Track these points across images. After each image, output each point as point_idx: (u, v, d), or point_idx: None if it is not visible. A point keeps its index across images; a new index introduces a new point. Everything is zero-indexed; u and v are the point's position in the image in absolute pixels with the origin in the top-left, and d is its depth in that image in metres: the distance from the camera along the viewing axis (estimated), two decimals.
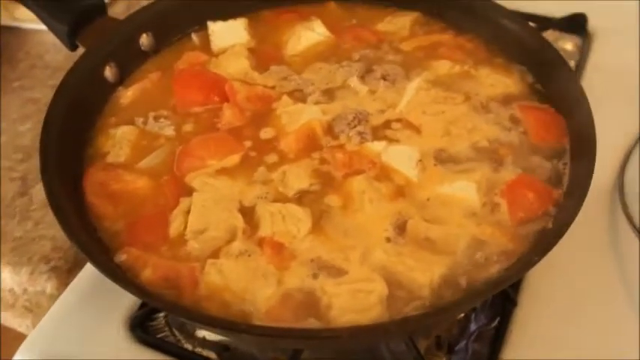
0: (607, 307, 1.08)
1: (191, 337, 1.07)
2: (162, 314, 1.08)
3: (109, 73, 1.15)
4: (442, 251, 0.91)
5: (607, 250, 1.14)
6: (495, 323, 1.07)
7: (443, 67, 1.16)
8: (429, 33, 1.24)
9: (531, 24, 1.41)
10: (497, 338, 1.06)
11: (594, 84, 1.41)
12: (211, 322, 0.84)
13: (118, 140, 1.07)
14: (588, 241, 1.14)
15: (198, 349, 1.06)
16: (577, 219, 0.89)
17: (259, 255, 0.92)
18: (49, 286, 1.19)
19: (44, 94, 1.51)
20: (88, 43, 1.15)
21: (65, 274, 1.19)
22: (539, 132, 1.06)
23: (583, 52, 1.52)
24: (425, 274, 0.88)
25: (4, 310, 1.21)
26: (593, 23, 1.56)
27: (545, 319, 1.07)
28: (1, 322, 1.22)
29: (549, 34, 1.53)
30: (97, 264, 0.87)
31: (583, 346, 1.04)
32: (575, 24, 1.55)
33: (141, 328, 1.07)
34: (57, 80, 1.49)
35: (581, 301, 1.09)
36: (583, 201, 0.89)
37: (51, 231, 1.24)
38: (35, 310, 1.19)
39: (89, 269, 1.13)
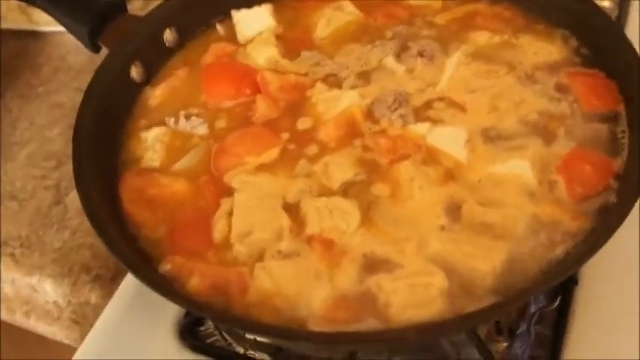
0: None
1: (242, 339, 1.03)
2: None
3: (135, 73, 1.11)
4: (501, 235, 0.86)
5: None
6: (557, 303, 1.03)
7: (481, 38, 1.10)
8: (463, 3, 1.18)
9: None
10: (560, 319, 1.01)
11: (636, 39, 1.35)
12: (267, 331, 0.81)
13: (150, 143, 1.04)
14: None
15: (250, 352, 1.03)
16: None
17: (309, 254, 0.88)
18: (94, 296, 1.17)
19: (70, 98, 1.48)
20: (111, 44, 1.12)
21: (108, 282, 1.17)
22: (590, 99, 1.00)
23: (622, 8, 1.45)
24: (486, 262, 0.84)
25: (50, 323, 1.19)
26: None
27: (607, 296, 1.03)
28: (48, 336, 1.20)
29: None
30: (142, 276, 0.84)
31: None
32: None
33: (191, 334, 1.04)
34: (81, 82, 1.49)
35: None
36: None
37: (89, 239, 1.22)
38: (82, 321, 1.17)
39: (132, 277, 1.10)
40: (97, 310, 1.12)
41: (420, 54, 1.09)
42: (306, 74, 1.09)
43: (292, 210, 0.92)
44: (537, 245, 0.86)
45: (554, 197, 0.90)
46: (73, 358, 1.04)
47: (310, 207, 0.91)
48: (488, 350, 0.93)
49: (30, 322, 1.20)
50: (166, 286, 0.86)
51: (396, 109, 1.00)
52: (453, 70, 1.05)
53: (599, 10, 1.07)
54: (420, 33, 1.14)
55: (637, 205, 0.83)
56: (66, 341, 1.20)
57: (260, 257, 0.88)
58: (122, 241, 0.90)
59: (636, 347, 0.97)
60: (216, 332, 1.05)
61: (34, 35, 1.64)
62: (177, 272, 0.88)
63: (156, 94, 1.11)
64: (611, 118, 0.98)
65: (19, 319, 1.21)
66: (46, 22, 1.60)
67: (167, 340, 1.04)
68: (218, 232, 0.91)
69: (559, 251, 0.85)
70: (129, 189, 0.98)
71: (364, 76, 1.07)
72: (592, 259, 1.02)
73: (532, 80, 1.04)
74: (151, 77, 1.14)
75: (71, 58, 1.58)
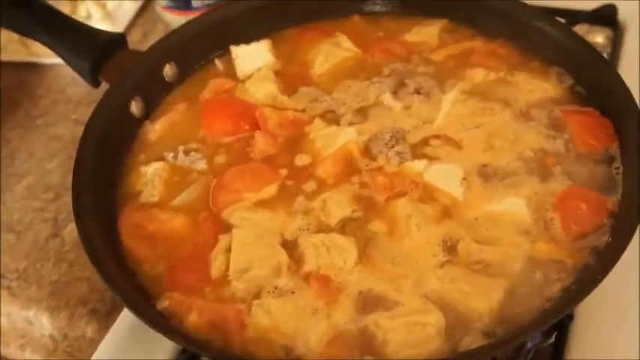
0: None
1: None
2: None
3: (134, 108, 1.12)
4: (498, 274, 0.87)
5: None
6: (552, 339, 1.03)
7: (477, 75, 1.12)
8: (459, 41, 1.19)
9: (560, 19, 1.37)
10: (556, 355, 1.01)
11: (629, 75, 1.36)
12: None
13: (149, 178, 1.04)
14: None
15: None
16: None
17: (307, 291, 0.88)
18: (90, 330, 1.16)
19: (69, 130, 1.49)
20: (112, 79, 1.13)
21: (104, 316, 1.17)
22: (585, 138, 1.01)
23: (615, 45, 1.46)
24: (482, 300, 0.84)
25: (45, 356, 1.18)
26: (623, 14, 1.51)
27: (603, 332, 1.03)
28: None
29: (578, 28, 1.48)
30: (140, 314, 0.84)
31: None
32: (605, 16, 1.50)
33: None
34: (80, 114, 1.50)
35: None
36: None
37: (86, 272, 1.22)
38: (77, 355, 1.17)
39: (129, 312, 1.10)
40: (93, 344, 1.12)
41: (417, 91, 1.10)
42: (304, 110, 1.10)
43: (290, 247, 0.92)
44: (534, 283, 0.87)
45: (550, 235, 0.91)
46: None
47: (308, 244, 0.92)
48: None
49: (25, 355, 1.20)
50: (164, 324, 0.86)
51: (393, 146, 1.01)
52: (449, 107, 1.07)
53: (592, 48, 1.09)
54: (416, 70, 1.15)
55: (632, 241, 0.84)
56: None
57: (258, 294, 0.89)
58: (121, 277, 0.90)
59: None
60: None
61: (34, 67, 1.65)
62: (175, 309, 0.88)
63: (155, 129, 1.12)
64: (606, 156, 0.99)
65: (13, 353, 1.21)
66: (46, 54, 1.59)
67: None
68: (216, 268, 0.92)
69: (555, 289, 0.86)
70: (128, 224, 0.98)
71: (361, 113, 1.09)
72: None
73: (527, 118, 1.05)
74: (150, 112, 1.14)
75: (70, 90, 1.59)
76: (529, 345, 1.03)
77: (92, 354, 1.08)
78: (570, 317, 1.03)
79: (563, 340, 1.02)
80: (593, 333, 1.03)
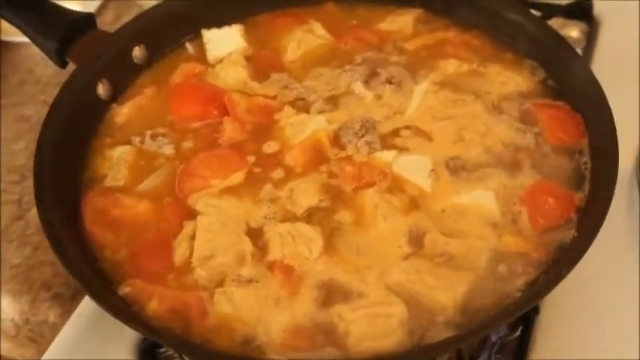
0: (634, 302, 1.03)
1: None
2: None
3: (101, 90, 1.09)
4: (463, 266, 0.87)
5: (628, 239, 1.10)
6: (518, 333, 1.03)
7: (450, 66, 1.11)
8: (433, 31, 1.19)
9: (535, 12, 1.37)
10: (521, 348, 1.01)
11: (603, 70, 1.36)
12: None
13: (115, 162, 1.02)
14: (606, 232, 1.09)
15: None
16: None
17: (270, 280, 0.87)
18: (52, 315, 1.15)
19: (36, 111, 1.46)
20: (79, 60, 1.10)
21: (68, 301, 1.15)
22: (555, 132, 1.01)
23: (590, 39, 1.46)
24: (447, 293, 0.84)
25: (6, 341, 1.16)
26: (598, 9, 1.51)
27: (569, 326, 1.03)
28: (3, 353, 1.17)
29: (554, 22, 1.47)
30: (99, 299, 0.83)
31: (612, 349, 1.00)
32: (581, 10, 1.49)
33: (150, 356, 1.02)
34: (48, 95, 1.47)
35: (606, 300, 1.05)
36: (608, 208, 0.85)
37: (50, 256, 1.20)
38: (39, 340, 1.15)
39: None
40: (55, 329, 1.10)
41: (389, 80, 1.09)
42: (274, 97, 1.09)
43: (255, 235, 0.91)
44: (499, 276, 0.86)
45: (517, 228, 0.91)
46: None
47: (273, 232, 0.91)
48: None
49: None
50: (124, 310, 0.84)
51: (362, 135, 1.00)
52: (420, 98, 1.06)
53: (564, 41, 1.08)
54: (389, 59, 1.14)
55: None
56: None
57: (221, 282, 0.88)
58: (82, 262, 0.89)
59: None
60: (176, 355, 1.03)
61: (2, 45, 1.62)
62: (136, 295, 0.87)
63: (122, 112, 1.10)
64: (575, 151, 0.99)
65: None
66: (15, 33, 1.55)
67: None
68: (179, 255, 0.90)
69: (520, 282, 0.86)
70: (92, 209, 0.97)
71: (332, 101, 1.07)
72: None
73: (498, 110, 1.04)
74: (118, 95, 1.12)
75: (39, 71, 1.56)
76: (494, 338, 1.03)
77: (54, 339, 1.06)
78: (536, 311, 1.03)
79: (528, 333, 1.02)
80: (560, 327, 1.03)
